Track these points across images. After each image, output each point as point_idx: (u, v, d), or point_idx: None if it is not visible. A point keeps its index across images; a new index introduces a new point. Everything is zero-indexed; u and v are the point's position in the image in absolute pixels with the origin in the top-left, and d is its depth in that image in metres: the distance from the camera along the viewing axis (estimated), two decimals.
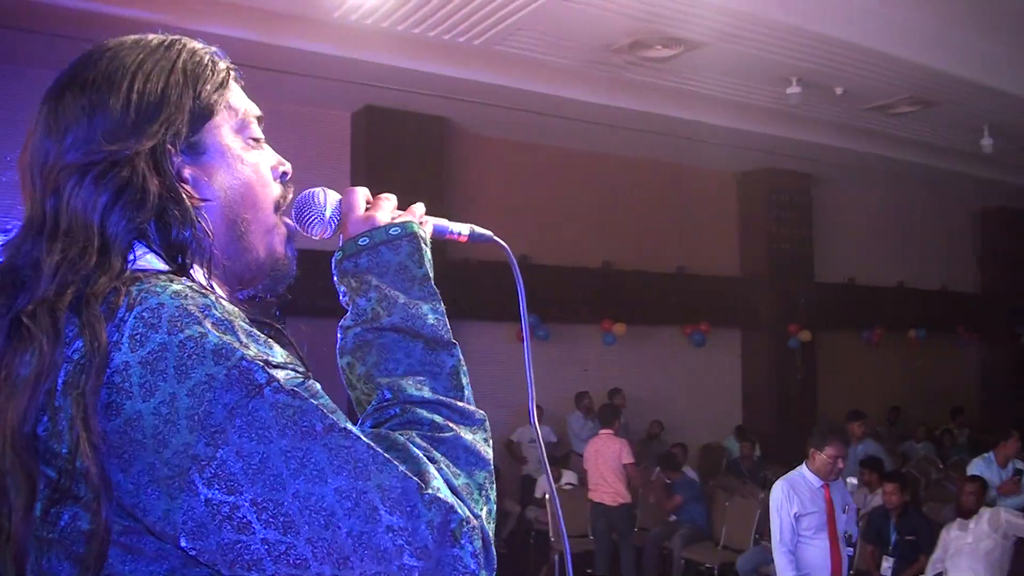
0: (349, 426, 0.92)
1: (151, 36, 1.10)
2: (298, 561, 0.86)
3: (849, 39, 8.13)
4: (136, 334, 0.88)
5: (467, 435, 1.02)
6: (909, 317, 14.42)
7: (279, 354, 0.94)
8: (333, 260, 1.16)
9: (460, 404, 1.06)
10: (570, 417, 10.85)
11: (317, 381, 0.96)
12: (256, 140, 1.14)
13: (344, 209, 1.21)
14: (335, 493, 0.87)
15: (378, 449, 0.91)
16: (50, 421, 0.88)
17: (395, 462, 0.91)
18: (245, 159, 1.11)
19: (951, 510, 7.18)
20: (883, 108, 10.20)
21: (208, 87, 1.08)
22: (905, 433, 12.92)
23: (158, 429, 0.86)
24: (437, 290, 1.15)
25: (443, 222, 1.28)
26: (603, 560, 8.09)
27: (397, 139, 9.51)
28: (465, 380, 1.10)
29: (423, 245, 1.17)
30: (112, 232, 0.97)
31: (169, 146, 1.03)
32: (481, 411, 1.07)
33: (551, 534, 8.31)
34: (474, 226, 1.32)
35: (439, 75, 8.45)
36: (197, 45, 1.12)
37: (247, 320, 0.97)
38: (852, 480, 7.53)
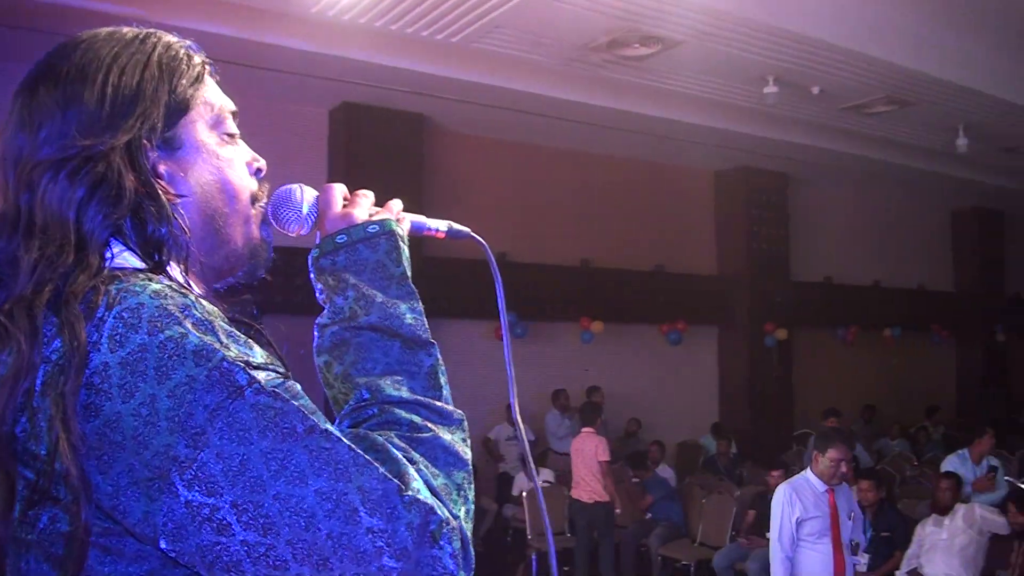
0: (329, 427, 0.91)
1: (125, 29, 1.08)
2: (278, 563, 0.86)
3: (826, 39, 8.18)
4: (116, 334, 0.87)
5: (445, 435, 1.01)
6: (885, 316, 14.53)
7: (259, 355, 0.93)
8: (310, 257, 1.15)
9: (438, 404, 1.05)
10: (547, 415, 10.86)
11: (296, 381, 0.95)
12: (231, 136, 1.13)
13: (321, 206, 1.20)
14: (315, 495, 0.86)
15: (358, 451, 0.90)
16: (28, 422, 0.87)
17: (375, 464, 0.90)
18: (220, 155, 1.10)
19: (926, 506, 7.24)
20: (859, 108, 10.26)
21: (184, 81, 1.07)
22: (880, 431, 13.02)
23: (138, 431, 0.85)
24: (415, 289, 1.14)
25: (420, 219, 1.27)
26: (583, 558, 8.10)
27: (375, 136, 9.48)
28: (443, 380, 1.09)
29: (401, 243, 1.16)
30: (88, 228, 0.96)
31: (145, 141, 1.02)
32: (459, 411, 1.07)
33: (528, 532, 8.32)
34: (452, 223, 1.31)
35: (418, 72, 8.43)
36: (172, 39, 1.10)
37: (227, 320, 0.96)
38: None
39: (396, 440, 0.97)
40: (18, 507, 0.87)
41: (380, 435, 0.96)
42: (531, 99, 9.29)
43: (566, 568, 8.48)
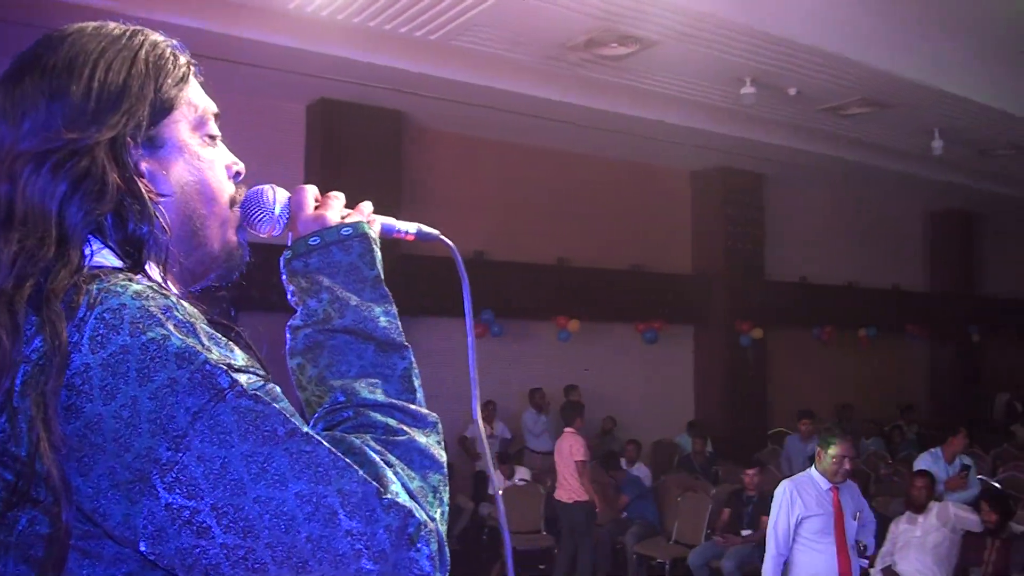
0: (309, 431, 0.91)
1: (112, 24, 1.07)
2: (257, 566, 0.86)
3: (803, 41, 8.22)
4: (97, 335, 0.86)
5: (421, 438, 1.01)
6: (860, 316, 14.62)
7: (240, 357, 0.93)
8: (282, 259, 1.15)
9: (413, 407, 1.05)
10: (524, 413, 10.88)
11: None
12: (212, 137, 1.13)
13: (293, 207, 1.19)
14: (295, 498, 0.86)
15: (338, 454, 0.90)
16: (8, 423, 0.86)
17: (355, 467, 0.90)
18: (202, 156, 1.10)
19: (900, 504, 7.30)
20: (836, 109, 10.33)
21: (169, 81, 1.07)
22: (855, 429, 13.09)
23: (119, 433, 0.84)
24: (389, 292, 1.14)
25: (390, 221, 1.27)
26: (565, 557, 8.13)
27: (352, 133, 9.46)
28: (417, 383, 1.09)
29: (374, 246, 1.16)
30: (70, 223, 0.95)
31: (129, 138, 1.01)
32: (434, 414, 1.07)
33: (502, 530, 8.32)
34: (421, 225, 1.31)
35: (396, 69, 8.40)
36: (159, 38, 1.10)
37: (207, 322, 0.95)
38: None
39: (372, 443, 0.97)
40: None
41: (357, 438, 0.96)
42: (509, 97, 9.29)
43: (542, 567, 8.50)
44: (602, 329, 11.95)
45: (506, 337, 10.74)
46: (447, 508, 0.99)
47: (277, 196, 1.20)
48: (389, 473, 0.93)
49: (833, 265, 14.52)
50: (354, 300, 1.10)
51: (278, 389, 0.93)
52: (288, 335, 1.11)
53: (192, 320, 0.91)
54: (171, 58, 1.08)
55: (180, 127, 1.08)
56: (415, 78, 8.68)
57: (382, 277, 1.14)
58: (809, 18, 8.04)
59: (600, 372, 11.90)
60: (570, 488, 8.05)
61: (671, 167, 12.86)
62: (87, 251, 0.95)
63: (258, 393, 0.90)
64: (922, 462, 8.11)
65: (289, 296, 1.14)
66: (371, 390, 1.04)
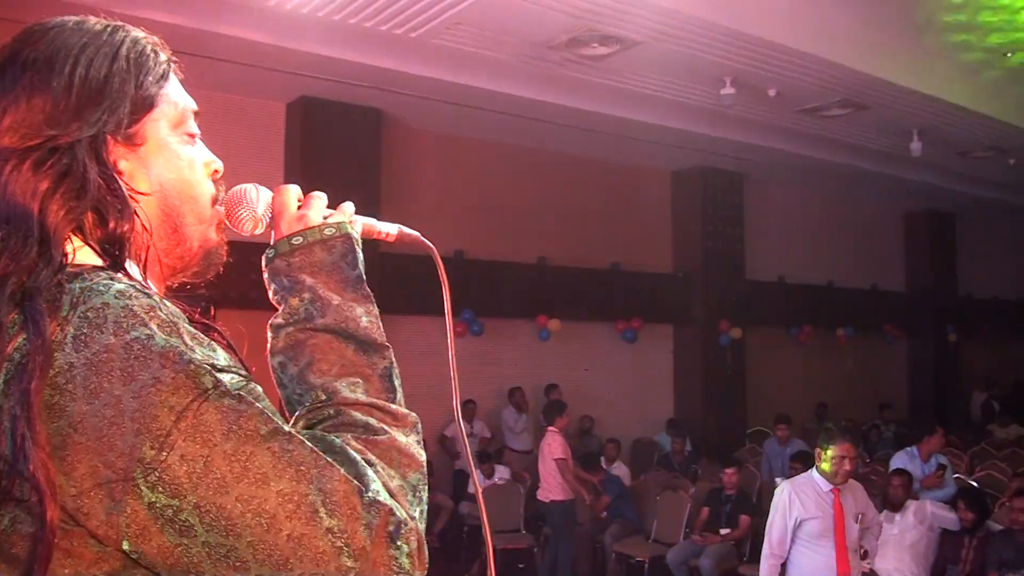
0: (291, 430, 0.91)
1: (93, 20, 1.07)
2: (239, 564, 0.86)
3: (783, 42, 8.25)
4: (80, 334, 0.86)
5: (401, 437, 1.02)
6: (838, 315, 14.71)
7: (223, 357, 0.93)
8: (264, 258, 1.15)
9: (393, 406, 1.05)
10: (504, 412, 10.89)
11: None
12: (192, 136, 1.13)
13: (276, 206, 1.19)
14: (277, 496, 0.86)
15: (319, 452, 0.90)
16: None
17: (335, 465, 0.90)
18: (181, 154, 1.10)
19: (878, 502, 7.34)
20: (815, 110, 10.38)
21: (150, 78, 1.06)
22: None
23: (102, 432, 0.84)
24: (370, 292, 1.14)
25: (371, 221, 1.28)
26: (549, 557, 8.15)
27: (332, 131, 9.43)
28: (398, 383, 1.09)
29: (356, 246, 1.16)
30: (52, 221, 0.94)
31: (109, 135, 1.01)
32: (414, 414, 1.07)
33: (484, 529, 8.32)
34: (402, 226, 1.31)
35: (376, 67, 8.38)
36: (139, 34, 1.09)
37: (189, 321, 0.95)
38: (779, 480, 7.63)
39: (353, 442, 0.97)
40: None
41: (337, 437, 0.96)
42: (490, 96, 9.29)
43: (521, 566, 8.51)
44: (582, 328, 11.97)
45: (486, 336, 10.74)
46: (426, 507, 1.00)
47: (260, 195, 1.20)
48: (370, 472, 0.93)
49: (812, 265, 14.60)
50: (336, 299, 1.10)
51: (260, 389, 0.93)
52: (270, 334, 1.11)
53: (175, 319, 0.91)
54: (152, 55, 1.08)
55: (160, 125, 1.08)
56: (396, 76, 8.67)
57: (364, 277, 1.15)
58: (789, 20, 8.08)
59: (579, 371, 11.91)
60: (547, 488, 8.07)
61: (651, 167, 12.89)
62: (68, 249, 0.95)
63: (241, 392, 0.90)
64: (898, 460, 8.16)
65: (271, 295, 1.14)
66: (352, 389, 1.04)
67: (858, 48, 8.74)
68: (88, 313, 0.88)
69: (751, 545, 8.10)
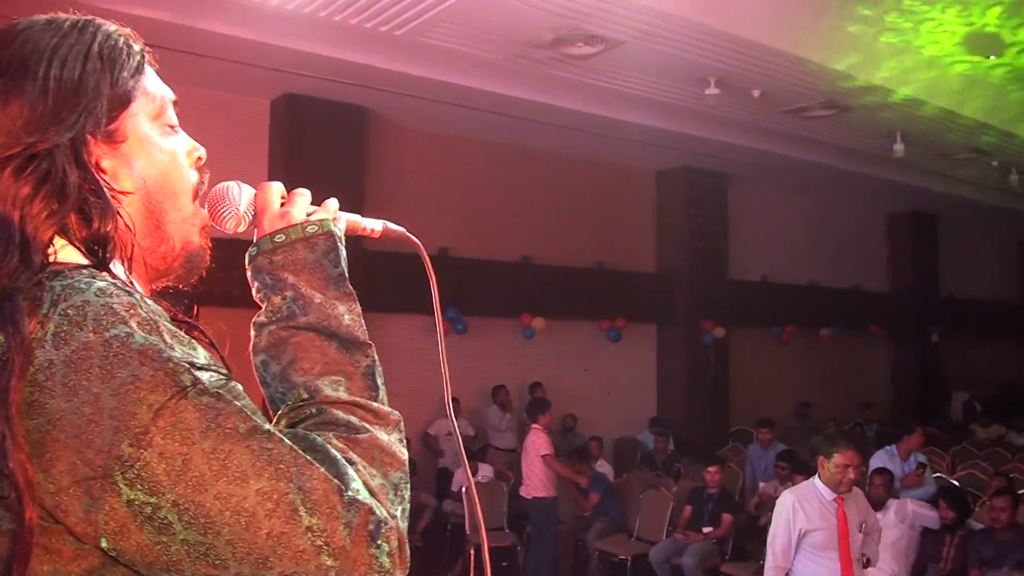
0: (271, 428, 0.91)
1: (63, 16, 1.06)
2: (218, 562, 0.86)
3: (767, 43, 8.27)
4: (60, 331, 0.86)
5: (383, 436, 1.01)
6: (821, 315, 14.77)
7: (203, 356, 0.93)
8: (247, 255, 1.15)
9: (375, 405, 1.05)
10: (487, 410, 10.89)
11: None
12: (171, 126, 1.12)
13: (259, 204, 1.19)
14: (256, 494, 0.86)
15: (299, 451, 0.90)
16: None
17: (316, 464, 0.90)
18: (163, 146, 1.10)
19: None
20: (799, 111, 10.41)
21: (125, 73, 1.06)
22: (815, 427, 13.21)
23: (81, 429, 0.84)
24: (353, 290, 1.14)
25: (355, 218, 1.27)
26: (532, 555, 8.16)
27: (316, 128, 9.40)
28: (380, 381, 1.09)
29: (339, 243, 1.16)
30: (32, 227, 0.94)
31: (88, 136, 1.01)
32: (396, 412, 1.07)
33: (467, 527, 8.33)
34: (387, 222, 1.32)
35: (361, 64, 8.36)
36: (111, 28, 1.08)
37: (170, 320, 0.95)
38: (763, 484, 7.65)
39: (334, 440, 0.97)
40: None
41: (319, 435, 0.96)
42: (474, 94, 9.28)
43: (504, 564, 8.51)
44: (566, 327, 11.98)
45: (470, 334, 10.73)
46: (408, 506, 1.00)
47: (243, 193, 1.20)
48: (350, 470, 0.93)
49: (795, 265, 14.65)
50: (318, 297, 1.10)
51: (240, 387, 0.93)
52: (252, 332, 1.11)
53: (155, 317, 0.91)
54: (125, 48, 1.08)
55: (139, 119, 1.07)
56: (380, 74, 8.65)
57: (346, 275, 1.15)
58: (773, 20, 8.09)
59: (563, 370, 11.92)
60: (529, 484, 8.08)
61: (636, 166, 12.91)
62: (50, 251, 0.95)
63: (220, 391, 0.90)
64: (877, 459, 8.21)
65: (254, 292, 1.14)
66: (334, 387, 1.04)
67: (843, 49, 8.76)
68: (68, 311, 0.88)
69: (733, 543, 8.13)
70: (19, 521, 0.84)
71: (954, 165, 13.07)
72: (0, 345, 0.86)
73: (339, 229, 1.18)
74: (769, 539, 4.90)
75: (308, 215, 1.17)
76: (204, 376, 0.89)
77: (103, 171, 1.02)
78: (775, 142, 11.45)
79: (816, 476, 4.89)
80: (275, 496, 0.86)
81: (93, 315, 0.87)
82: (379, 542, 0.89)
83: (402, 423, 1.06)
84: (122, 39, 1.08)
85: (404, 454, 1.03)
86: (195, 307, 1.15)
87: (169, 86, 1.14)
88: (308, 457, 0.90)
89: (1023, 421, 13.25)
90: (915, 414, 13.47)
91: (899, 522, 6.58)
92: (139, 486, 0.84)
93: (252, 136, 9.54)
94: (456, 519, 9.08)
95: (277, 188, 1.21)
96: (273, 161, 9.55)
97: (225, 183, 1.19)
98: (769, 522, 5.63)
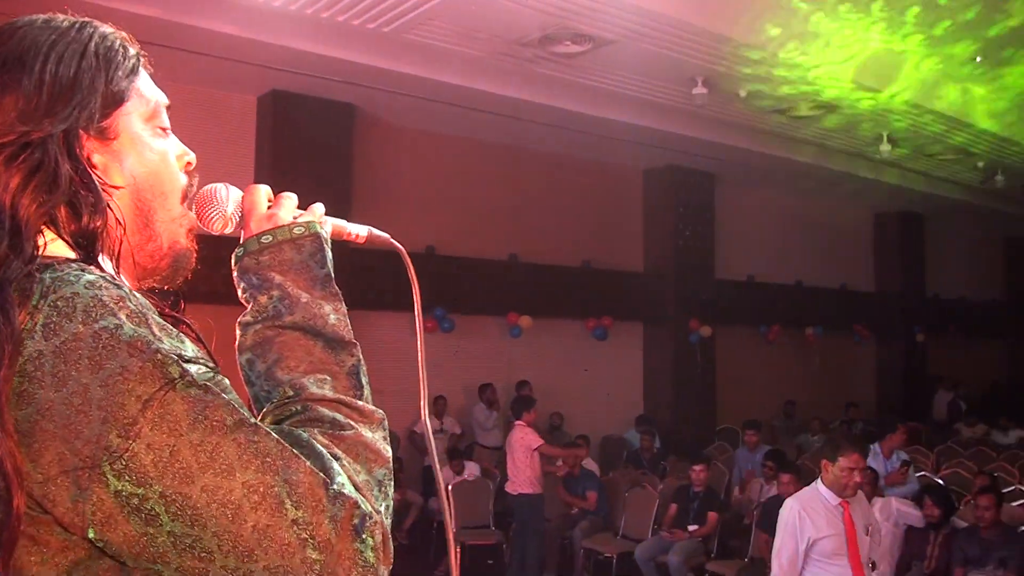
0: (258, 422, 0.92)
1: (61, 17, 1.08)
2: (204, 554, 0.86)
3: (755, 43, 8.30)
4: (50, 323, 0.87)
5: (367, 433, 1.02)
6: (807, 315, 14.82)
7: (190, 348, 0.94)
8: (234, 256, 1.16)
9: (360, 403, 1.06)
10: (474, 408, 10.89)
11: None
12: (163, 129, 1.13)
13: (246, 206, 1.21)
14: (243, 487, 0.87)
15: (285, 444, 0.91)
16: None
17: (302, 457, 0.91)
18: (153, 146, 1.11)
19: None
20: (786, 111, 10.44)
21: (120, 73, 1.07)
22: (801, 426, 13.27)
23: (70, 419, 0.84)
24: (339, 291, 1.15)
25: (341, 223, 1.29)
26: (517, 551, 8.16)
27: (304, 125, 9.38)
28: (365, 380, 1.10)
29: (325, 245, 1.17)
30: (23, 215, 0.95)
31: (81, 130, 1.02)
32: (380, 410, 1.08)
33: (453, 525, 8.33)
34: (372, 228, 1.33)
35: (349, 61, 8.35)
36: (107, 29, 1.10)
37: (158, 313, 0.96)
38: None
39: (320, 436, 0.98)
40: None
41: (304, 432, 0.97)
42: (462, 92, 9.28)
43: (490, 561, 8.52)
44: (552, 325, 11.99)
45: (457, 332, 10.73)
46: (392, 502, 1.00)
47: (230, 195, 1.21)
48: (335, 465, 0.94)
49: (782, 265, 14.70)
50: (304, 297, 1.11)
51: (227, 381, 0.94)
52: (238, 331, 1.12)
53: (144, 310, 0.92)
54: (120, 50, 1.09)
55: (132, 119, 1.09)
56: (368, 71, 8.64)
57: (332, 275, 1.16)
58: (762, 21, 8.12)
59: (550, 368, 11.94)
60: (515, 481, 8.09)
61: (623, 165, 12.92)
62: (40, 242, 0.96)
63: (208, 383, 0.90)
64: None
65: (240, 293, 1.15)
66: (319, 386, 1.05)
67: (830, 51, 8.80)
68: (58, 302, 0.88)
69: (718, 542, 8.16)
70: (6, 509, 0.84)
71: (940, 165, 13.13)
72: None
73: (325, 231, 1.20)
74: (774, 551, 4.68)
75: (295, 218, 1.18)
76: (192, 369, 0.90)
77: (94, 166, 1.03)
78: (762, 141, 11.49)
79: (818, 481, 4.68)
80: (261, 489, 0.87)
81: (83, 307, 0.88)
82: (364, 536, 0.90)
83: (386, 421, 1.07)
84: (118, 41, 1.10)
85: (388, 451, 1.04)
86: (181, 302, 1.16)
87: (157, 83, 1.15)
88: (294, 451, 0.91)
89: (1008, 420, 13.32)
90: (901, 413, 13.52)
91: (883, 520, 6.61)
92: (127, 477, 0.84)
93: (239, 132, 9.51)
94: (442, 517, 9.06)
95: (264, 191, 1.22)
96: (260, 158, 9.52)
97: (213, 185, 1.21)
98: (755, 512, 5.50)
